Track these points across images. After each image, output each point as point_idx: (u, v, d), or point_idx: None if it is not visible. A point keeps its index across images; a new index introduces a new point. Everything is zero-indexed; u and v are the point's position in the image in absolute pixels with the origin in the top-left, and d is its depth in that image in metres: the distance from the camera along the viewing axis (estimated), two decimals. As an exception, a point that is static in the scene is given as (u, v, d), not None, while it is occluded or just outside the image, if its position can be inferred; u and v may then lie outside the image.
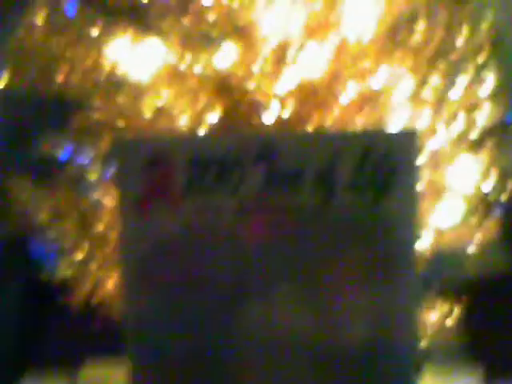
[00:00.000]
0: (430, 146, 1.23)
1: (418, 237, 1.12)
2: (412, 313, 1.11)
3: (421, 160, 1.21)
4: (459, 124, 1.24)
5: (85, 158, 1.29)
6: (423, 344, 1.24)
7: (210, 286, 1.11)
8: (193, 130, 1.21)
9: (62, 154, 1.29)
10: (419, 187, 1.15)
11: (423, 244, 1.25)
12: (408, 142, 1.08)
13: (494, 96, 1.24)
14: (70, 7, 1.24)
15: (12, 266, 1.49)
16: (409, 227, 1.09)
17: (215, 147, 1.09)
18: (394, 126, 1.21)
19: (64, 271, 1.29)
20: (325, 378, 1.12)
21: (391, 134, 1.15)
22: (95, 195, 1.29)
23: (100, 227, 1.27)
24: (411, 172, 1.08)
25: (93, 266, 1.28)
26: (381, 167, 1.08)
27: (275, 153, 1.08)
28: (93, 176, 1.29)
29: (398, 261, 1.10)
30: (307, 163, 1.08)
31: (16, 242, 1.37)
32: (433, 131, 1.22)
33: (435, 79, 1.21)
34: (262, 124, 1.19)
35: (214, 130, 1.21)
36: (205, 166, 1.08)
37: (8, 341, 1.52)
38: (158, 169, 1.09)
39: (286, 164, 1.08)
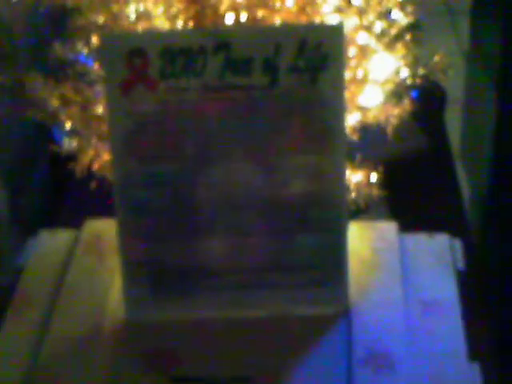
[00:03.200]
0: (358, 41, 1.18)
1: (346, 111, 1.09)
2: (341, 170, 1.09)
3: (350, 51, 1.16)
4: (381, 23, 1.19)
5: (87, 57, 1.22)
6: (351, 196, 1.22)
7: (181, 151, 1.08)
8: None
9: (69, 54, 1.22)
10: (348, 73, 1.14)
11: (352, 120, 1.21)
12: (336, 33, 1.04)
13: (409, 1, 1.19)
14: None
15: (39, 145, 1.46)
16: (339, 103, 1.06)
17: (183, 40, 1.05)
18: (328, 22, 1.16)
19: (71, 145, 1.25)
20: (273, 222, 1.10)
21: (323, 26, 1.11)
22: (96, 86, 1.22)
23: (99, 110, 1.22)
24: (340, 58, 1.04)
25: (93, 140, 1.23)
26: (315, 54, 1.03)
27: (230, 43, 1.03)
28: (94, 71, 1.22)
29: (331, 129, 1.06)
30: (256, 51, 1.04)
31: (41, 127, 1.32)
32: (359, 28, 1.17)
33: None
34: (224, 24, 1.14)
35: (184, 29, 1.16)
36: (175, 54, 1.04)
37: (33, 197, 1.50)
38: (137, 58, 1.04)
39: (239, 52, 1.04)
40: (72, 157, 1.23)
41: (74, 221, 1.26)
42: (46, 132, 1.39)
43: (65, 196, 1.44)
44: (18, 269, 1.21)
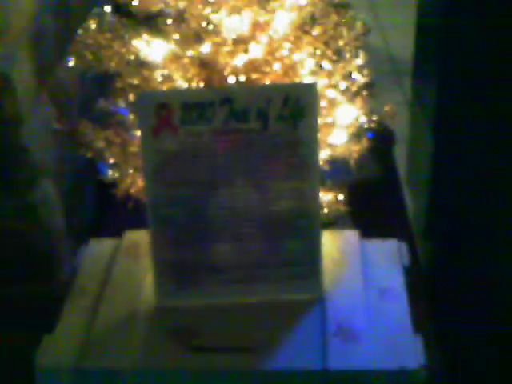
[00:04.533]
0: (327, 95, 1.19)
1: (319, 148, 1.10)
2: (316, 192, 1.10)
3: (322, 103, 1.17)
4: (345, 82, 1.20)
5: (125, 109, 1.23)
6: (323, 211, 1.22)
7: (196, 179, 1.09)
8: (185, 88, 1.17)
9: (111, 107, 1.23)
10: (320, 120, 1.14)
11: (324, 154, 1.21)
12: (312, 90, 1.07)
13: (365, 65, 1.20)
14: (112, 18, 1.19)
15: (88, 175, 1.43)
16: (314, 142, 1.08)
17: (198, 96, 1.08)
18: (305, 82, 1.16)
19: (113, 175, 1.25)
20: (266, 232, 1.11)
21: (301, 85, 1.13)
22: (132, 131, 1.22)
23: (134, 149, 1.22)
24: (314, 109, 1.07)
25: (130, 171, 1.23)
26: (296, 105, 1.05)
27: (233, 98, 1.06)
28: (130, 119, 1.22)
29: (308, 163, 1.08)
30: (252, 104, 1.06)
31: (90, 161, 1.30)
32: (328, 86, 1.19)
33: (330, 55, 1.17)
34: (228, 84, 1.15)
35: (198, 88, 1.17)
36: (191, 107, 1.06)
37: (84, 215, 1.49)
38: (163, 110, 1.07)
39: (239, 105, 1.06)
40: (114, 184, 1.24)
41: (116, 232, 1.27)
42: (94, 166, 1.38)
43: (109, 213, 1.44)
44: (73, 269, 1.22)
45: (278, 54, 1.14)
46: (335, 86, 1.18)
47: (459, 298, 1.41)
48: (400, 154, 1.72)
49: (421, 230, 1.58)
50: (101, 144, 1.22)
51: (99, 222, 1.46)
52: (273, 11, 1.13)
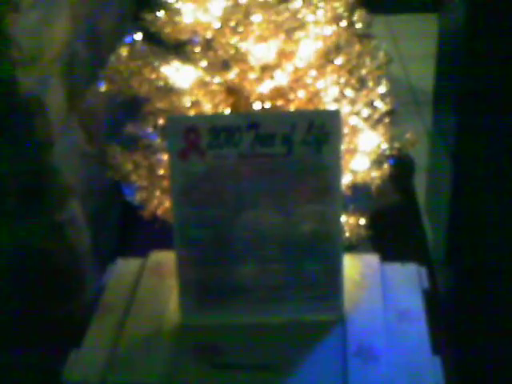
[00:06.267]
0: (350, 122, 1.21)
1: (342, 173, 1.12)
2: (339, 216, 1.11)
3: (344, 130, 1.19)
4: (367, 110, 1.22)
5: (153, 133, 1.26)
6: (345, 235, 1.23)
7: (222, 201, 1.11)
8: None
9: (139, 131, 1.26)
10: (343, 146, 1.17)
11: (346, 180, 1.23)
12: (335, 116, 1.08)
13: (387, 93, 1.22)
14: (142, 45, 1.22)
15: (114, 196, 1.46)
16: (337, 168, 1.09)
17: (225, 121, 1.09)
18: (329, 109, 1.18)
19: (141, 197, 1.27)
20: (289, 254, 1.13)
21: (325, 112, 1.15)
22: (159, 154, 1.25)
23: (161, 171, 1.24)
24: (338, 135, 1.08)
25: (157, 193, 1.26)
26: (320, 131, 1.07)
27: (258, 123, 1.07)
28: (158, 143, 1.25)
29: (331, 187, 1.09)
30: (277, 129, 1.07)
31: (116, 183, 1.33)
32: (351, 113, 1.21)
33: (353, 83, 1.19)
34: (254, 110, 1.18)
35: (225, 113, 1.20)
36: (218, 131, 1.08)
37: (111, 237, 1.50)
38: (192, 134, 1.09)
39: (265, 130, 1.07)
40: (141, 205, 1.26)
41: (142, 252, 1.29)
42: (120, 187, 1.40)
43: (135, 234, 1.45)
44: (100, 287, 1.24)
45: (302, 82, 1.17)
46: (358, 114, 1.20)
47: (477, 323, 1.42)
48: (420, 182, 1.73)
49: (440, 257, 1.59)
50: (129, 167, 1.25)
51: (125, 242, 1.47)
52: (298, 40, 1.16)
